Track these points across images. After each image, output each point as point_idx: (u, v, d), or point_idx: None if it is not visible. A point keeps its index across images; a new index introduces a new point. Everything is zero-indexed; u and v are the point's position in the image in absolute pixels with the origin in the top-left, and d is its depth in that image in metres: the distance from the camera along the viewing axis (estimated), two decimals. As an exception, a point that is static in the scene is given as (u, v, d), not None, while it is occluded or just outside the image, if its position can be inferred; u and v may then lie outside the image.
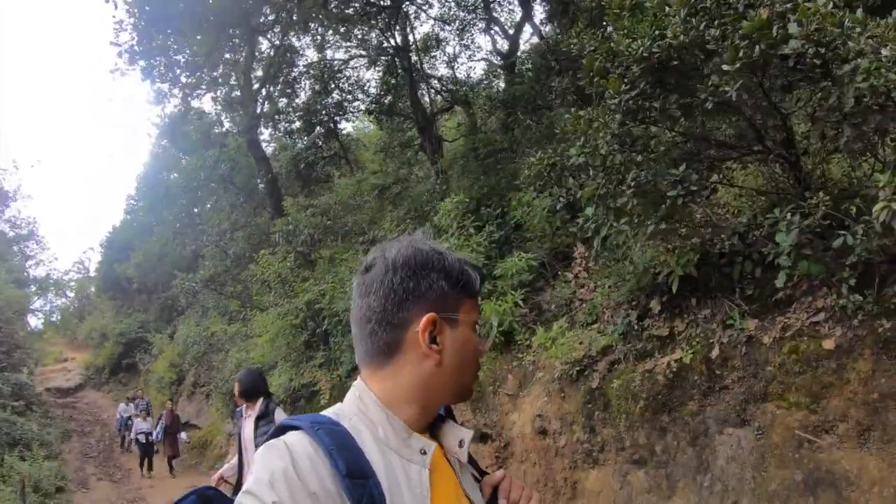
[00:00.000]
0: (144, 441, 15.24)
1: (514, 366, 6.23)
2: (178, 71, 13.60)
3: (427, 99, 13.65)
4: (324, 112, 14.29)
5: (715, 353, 4.30)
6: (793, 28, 3.19)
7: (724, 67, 3.29)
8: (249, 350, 12.56)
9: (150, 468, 15.07)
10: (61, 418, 19.66)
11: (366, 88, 14.85)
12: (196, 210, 17.47)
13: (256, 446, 4.58)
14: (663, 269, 4.71)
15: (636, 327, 5.02)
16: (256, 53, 14.89)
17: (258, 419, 4.84)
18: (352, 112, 15.17)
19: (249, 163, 15.17)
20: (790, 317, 4.16)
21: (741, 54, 3.27)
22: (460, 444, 1.30)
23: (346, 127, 17.08)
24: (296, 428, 1.12)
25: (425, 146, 10.19)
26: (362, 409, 1.20)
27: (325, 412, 1.22)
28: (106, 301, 33.40)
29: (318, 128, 14.21)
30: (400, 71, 12.24)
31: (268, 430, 4.63)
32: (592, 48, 4.12)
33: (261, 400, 5.01)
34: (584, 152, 4.01)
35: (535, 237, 7.02)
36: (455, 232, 7.43)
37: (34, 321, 36.00)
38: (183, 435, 15.53)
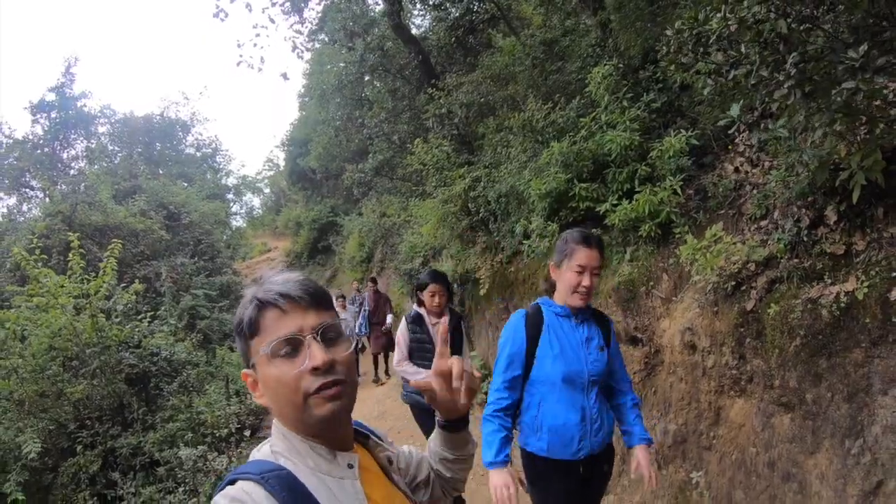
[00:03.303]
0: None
1: (671, 263, 5.33)
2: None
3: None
4: None
5: (894, 292, 3.21)
6: None
7: None
8: (418, 235, 12.60)
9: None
10: None
11: None
12: (360, 99, 17.16)
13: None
14: (843, 168, 3.53)
15: (806, 238, 3.93)
16: None
17: (454, 329, 4.93)
18: None
19: (399, 47, 14.36)
20: None
21: None
22: (389, 462, 1.54)
23: None
24: (248, 478, 1.22)
25: (582, -3, 8.74)
26: (290, 446, 1.34)
27: (261, 452, 1.36)
28: (297, 192, 36.01)
29: None
30: None
31: (459, 339, 5.11)
32: None
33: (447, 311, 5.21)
34: (727, 21, 2.89)
35: (703, 101, 5.80)
36: (608, 104, 6.35)
37: (237, 223, 39.92)
38: (389, 318, 12.02)
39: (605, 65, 6.56)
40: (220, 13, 13.93)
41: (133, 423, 9.37)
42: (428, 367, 4.62)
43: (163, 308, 14.29)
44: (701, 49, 3.48)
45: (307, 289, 1.36)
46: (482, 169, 9.09)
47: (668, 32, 3.58)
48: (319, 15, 16.10)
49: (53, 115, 25.97)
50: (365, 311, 12.09)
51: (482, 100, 10.67)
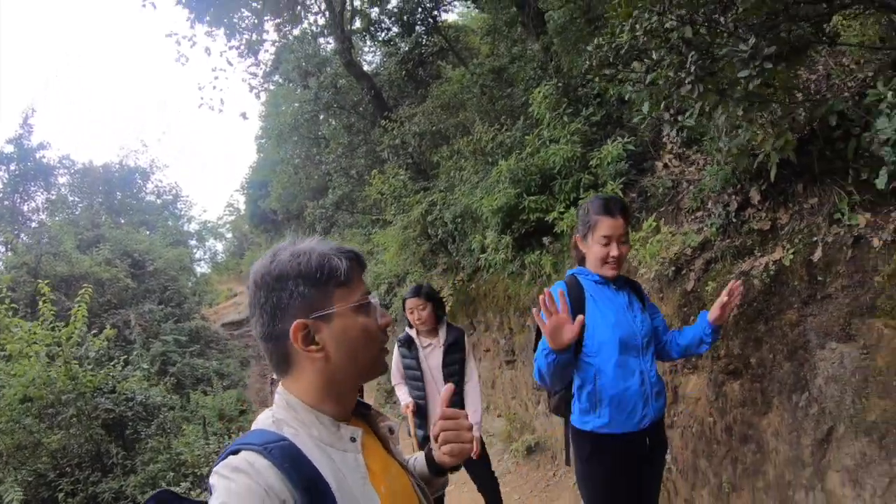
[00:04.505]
0: None
1: (619, 261, 5.66)
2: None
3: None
4: (419, 10, 13.50)
5: (817, 255, 3.53)
6: None
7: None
8: (381, 264, 12.81)
9: None
10: (238, 349, 21.53)
11: None
12: (316, 137, 17.46)
13: (446, 377, 4.54)
14: (759, 153, 3.88)
15: (735, 219, 4.27)
16: None
17: (450, 346, 4.64)
18: (448, 1, 14.27)
19: (352, 83, 14.76)
20: (909, 214, 3.28)
21: None
22: (390, 431, 1.53)
23: (448, 17, 16.34)
24: (250, 449, 1.20)
25: (527, 23, 9.23)
26: (294, 415, 1.32)
27: (263, 422, 1.33)
28: (260, 234, 36.04)
29: (416, 27, 13.43)
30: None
31: (459, 357, 4.69)
32: None
33: (444, 327, 4.76)
34: (636, 33, 3.21)
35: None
36: (550, 121, 6.71)
37: (201, 269, 39.32)
38: None
39: (546, 85, 6.94)
40: (181, 58, 14.22)
41: (113, 468, 9.28)
42: (417, 395, 4.68)
43: (135, 353, 14.19)
44: (620, 61, 3.83)
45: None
46: (438, 193, 9.37)
47: (589, 48, 3.93)
48: (273, 56, 16.45)
49: (12, 167, 25.49)
50: None
51: (434, 128, 11.04)
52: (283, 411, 1.33)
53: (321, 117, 17.12)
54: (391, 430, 1.52)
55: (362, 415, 1.51)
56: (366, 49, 18.03)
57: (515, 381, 7.94)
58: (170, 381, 13.67)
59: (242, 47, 14.63)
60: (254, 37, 14.63)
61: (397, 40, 14.54)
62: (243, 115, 26.23)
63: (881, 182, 2.99)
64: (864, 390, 3.29)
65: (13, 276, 14.93)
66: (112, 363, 10.73)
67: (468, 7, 16.24)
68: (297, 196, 22.65)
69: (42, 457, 9.01)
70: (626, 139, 5.79)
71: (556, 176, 6.38)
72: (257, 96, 15.95)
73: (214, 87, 39.56)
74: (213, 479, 1.17)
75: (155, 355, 15.71)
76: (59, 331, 9.66)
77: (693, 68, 3.00)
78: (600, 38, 3.63)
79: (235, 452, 1.20)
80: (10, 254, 17.90)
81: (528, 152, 6.76)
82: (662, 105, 3.76)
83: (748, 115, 3.46)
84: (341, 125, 15.58)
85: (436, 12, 14.12)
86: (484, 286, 8.39)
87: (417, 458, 1.75)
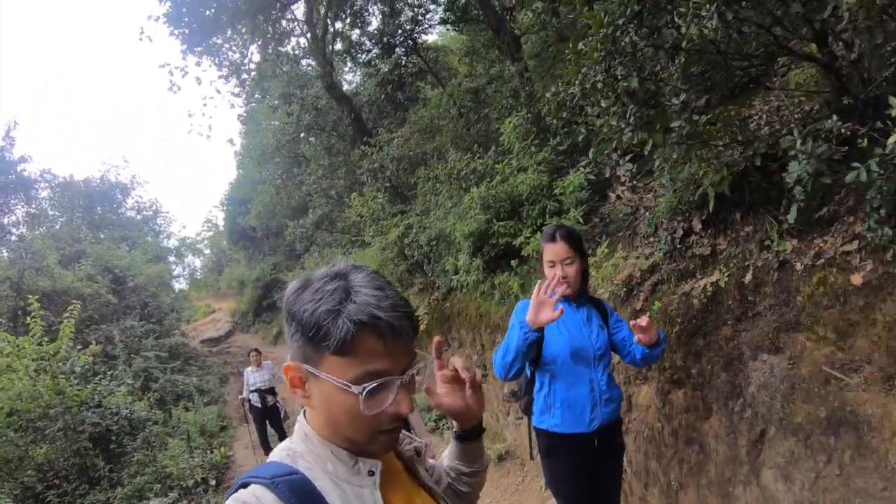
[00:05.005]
0: (261, 404, 10.33)
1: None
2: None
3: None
4: (399, 31, 13.86)
5: (748, 277, 4.00)
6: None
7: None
8: None
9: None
10: (217, 365, 21.57)
11: None
12: (297, 157, 17.74)
13: None
14: (701, 184, 4.36)
15: (679, 245, 4.74)
16: None
17: None
18: (427, 24, 14.59)
19: (332, 105, 15.08)
20: (827, 240, 3.75)
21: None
22: (417, 454, 1.40)
23: (428, 38, 16.53)
24: (258, 482, 1.14)
25: (503, 47, 9.68)
26: (310, 448, 1.24)
27: (278, 453, 1.25)
28: (238, 251, 35.74)
29: (396, 49, 13.79)
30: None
31: None
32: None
33: None
34: (584, 87, 3.67)
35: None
36: (519, 151, 7.17)
37: (179, 285, 39.03)
38: None
39: (517, 115, 7.40)
40: (173, 87, 14.57)
41: (100, 481, 9.48)
42: None
43: (119, 369, 14.33)
44: (574, 107, 4.28)
45: (411, 318, 1.20)
46: (414, 216, 9.78)
47: (548, 95, 4.39)
48: (255, 74, 16.76)
49: (-7, 179, 25.56)
50: None
51: (411, 153, 11.38)
52: (301, 443, 1.26)
53: (302, 135, 17.45)
54: (418, 453, 1.40)
55: None
56: (346, 69, 18.26)
57: (488, 394, 8.31)
58: (153, 396, 13.85)
59: (227, 71, 14.98)
60: (238, 58, 14.99)
61: (377, 61, 14.82)
62: (230, 142, 26.54)
63: (791, 217, 3.47)
64: (791, 396, 3.74)
65: (-4, 290, 15.06)
66: (97, 378, 10.93)
67: (448, 28, 16.53)
68: (277, 214, 22.77)
69: (28, 469, 9.18)
70: (587, 170, 6.24)
71: (524, 202, 6.81)
72: (243, 123, 16.24)
73: (204, 115, 39.71)
74: None
75: (137, 371, 15.80)
76: (46, 346, 9.86)
77: (632, 118, 3.45)
78: (556, 86, 4.07)
79: (245, 485, 1.15)
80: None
81: (499, 180, 7.19)
82: (614, 145, 4.20)
83: (688, 156, 3.92)
84: (322, 146, 15.89)
85: (416, 34, 14.51)
86: (457, 305, 8.79)
87: (447, 452, 1.69)
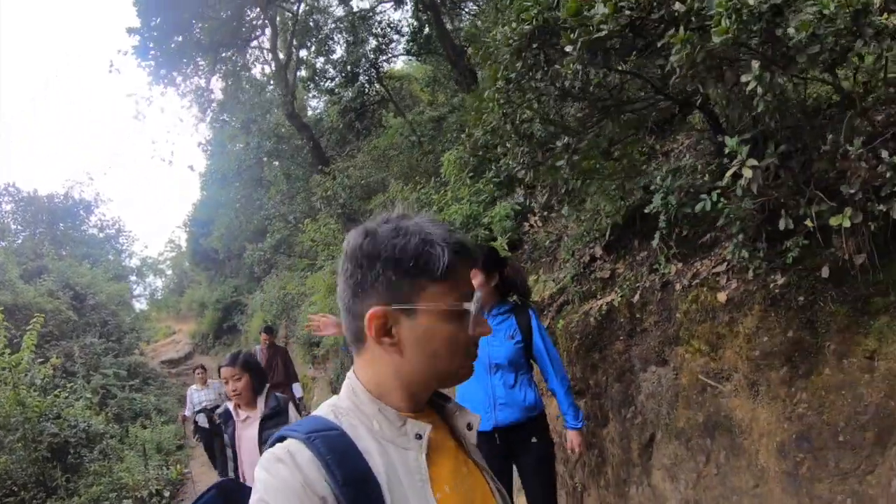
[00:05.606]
0: (208, 424, 9.34)
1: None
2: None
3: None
4: (363, 60, 14.21)
5: (637, 297, 4.51)
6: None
7: (567, 48, 3.10)
8: (313, 305, 13.37)
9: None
10: (176, 385, 21.34)
11: (399, 29, 14.64)
12: (259, 180, 18.02)
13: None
14: (606, 216, 4.90)
15: (584, 269, 5.25)
16: (279, 24, 14.99)
17: (268, 417, 4.06)
18: (391, 54, 14.99)
19: (293, 132, 15.39)
20: (704, 263, 4.26)
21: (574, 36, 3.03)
22: (469, 427, 1.28)
23: (395, 66, 16.97)
24: (294, 437, 1.08)
25: (459, 80, 10.21)
26: (356, 404, 1.16)
27: (322, 410, 1.18)
28: (200, 273, 35.06)
29: (360, 77, 14.19)
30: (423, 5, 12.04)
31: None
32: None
33: (262, 398, 4.21)
34: (485, 130, 4.17)
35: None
36: (455, 182, 7.67)
37: (140, 305, 38.62)
38: (297, 387, 9.35)
39: (456, 149, 7.91)
40: (139, 115, 15.04)
41: (57, 490, 9.60)
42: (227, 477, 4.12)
43: (78, 384, 14.38)
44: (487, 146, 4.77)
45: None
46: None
47: (463, 136, 4.90)
48: (218, 103, 17.10)
49: (-44, 192, 25.26)
50: None
51: (363, 182, 11.80)
52: (347, 399, 1.18)
53: (264, 160, 17.71)
54: (470, 427, 1.29)
55: (438, 406, 1.30)
56: (310, 95, 18.49)
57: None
58: (110, 412, 13.94)
59: (189, 101, 15.41)
60: (201, 85, 15.37)
61: (340, 90, 14.98)
62: (191, 168, 26.58)
63: (654, 243, 3.98)
64: (675, 403, 4.24)
65: (-43, 302, 15.01)
66: (56, 391, 11.06)
67: (410, 59, 16.85)
68: (239, 237, 22.73)
69: (-15, 479, 9.31)
70: (513, 201, 6.76)
71: (459, 230, 7.27)
72: (203, 150, 16.58)
73: (167, 141, 39.54)
74: (257, 471, 1.07)
75: (95, 387, 15.81)
76: (8, 357, 10.00)
77: (524, 159, 3.94)
78: (468, 129, 4.57)
79: (282, 439, 1.10)
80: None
81: (435, 210, 7.66)
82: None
83: (585, 190, 4.43)
84: (282, 172, 16.19)
85: (379, 63, 14.78)
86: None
87: None
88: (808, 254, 3.50)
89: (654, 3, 2.76)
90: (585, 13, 2.81)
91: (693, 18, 2.65)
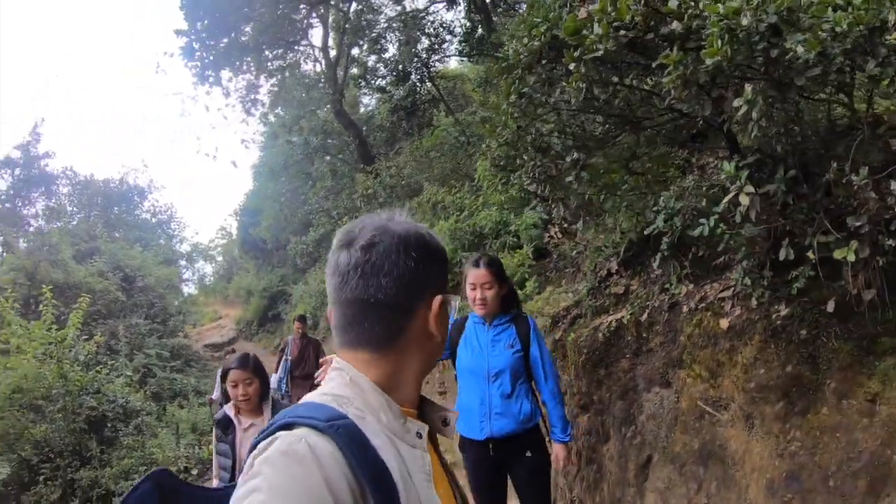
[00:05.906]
0: None
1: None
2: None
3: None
4: (415, 59, 14.23)
5: (645, 316, 4.47)
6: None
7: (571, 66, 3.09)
8: None
9: None
10: (217, 369, 21.70)
11: (451, 29, 14.64)
12: (307, 174, 18.23)
13: None
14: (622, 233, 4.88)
15: (600, 284, 5.23)
16: (331, 23, 15.11)
17: None
18: (443, 54, 15.03)
19: (340, 129, 15.55)
20: (713, 286, 4.20)
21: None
22: (444, 423, 1.23)
23: (445, 66, 16.83)
24: (310, 424, 0.96)
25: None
26: (360, 395, 1.08)
27: (323, 397, 1.07)
28: (248, 261, 35.27)
29: (411, 76, 14.20)
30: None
31: None
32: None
33: (269, 404, 3.90)
34: (500, 143, 4.18)
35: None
36: (488, 188, 7.70)
37: (189, 289, 39.37)
38: None
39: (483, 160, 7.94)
40: (184, 113, 15.51)
41: (91, 460, 10.02)
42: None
43: (119, 362, 14.87)
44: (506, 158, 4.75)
45: None
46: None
47: (483, 146, 4.92)
48: (271, 97, 17.44)
49: (17, 171, 26.32)
50: (286, 361, 8.57)
51: (403, 182, 11.89)
52: (346, 388, 1.09)
53: (313, 154, 17.79)
54: (445, 423, 1.24)
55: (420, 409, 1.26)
56: (361, 92, 18.66)
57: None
58: (149, 390, 14.39)
59: (236, 101, 15.79)
60: (247, 85, 15.72)
61: (391, 88, 15.02)
62: (234, 164, 27.21)
63: (655, 264, 3.94)
64: (674, 427, 4.19)
65: (12, 277, 15.75)
66: (98, 367, 11.51)
67: (464, 59, 16.84)
68: (286, 228, 23.23)
69: (26, 445, 9.75)
70: (540, 211, 6.77)
71: (488, 236, 7.34)
72: (246, 146, 17.04)
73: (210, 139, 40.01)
74: (257, 463, 0.93)
75: (137, 366, 16.30)
76: (54, 332, 10.48)
77: (535, 172, 3.94)
78: (488, 142, 4.59)
79: (288, 427, 0.96)
80: (6, 255, 18.51)
81: (466, 214, 7.72)
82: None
83: (601, 205, 4.41)
84: (327, 168, 16.41)
85: (431, 63, 14.85)
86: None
87: None
88: (815, 286, 3.39)
89: (651, 23, 2.74)
90: (585, 32, 2.83)
91: (692, 37, 2.63)
